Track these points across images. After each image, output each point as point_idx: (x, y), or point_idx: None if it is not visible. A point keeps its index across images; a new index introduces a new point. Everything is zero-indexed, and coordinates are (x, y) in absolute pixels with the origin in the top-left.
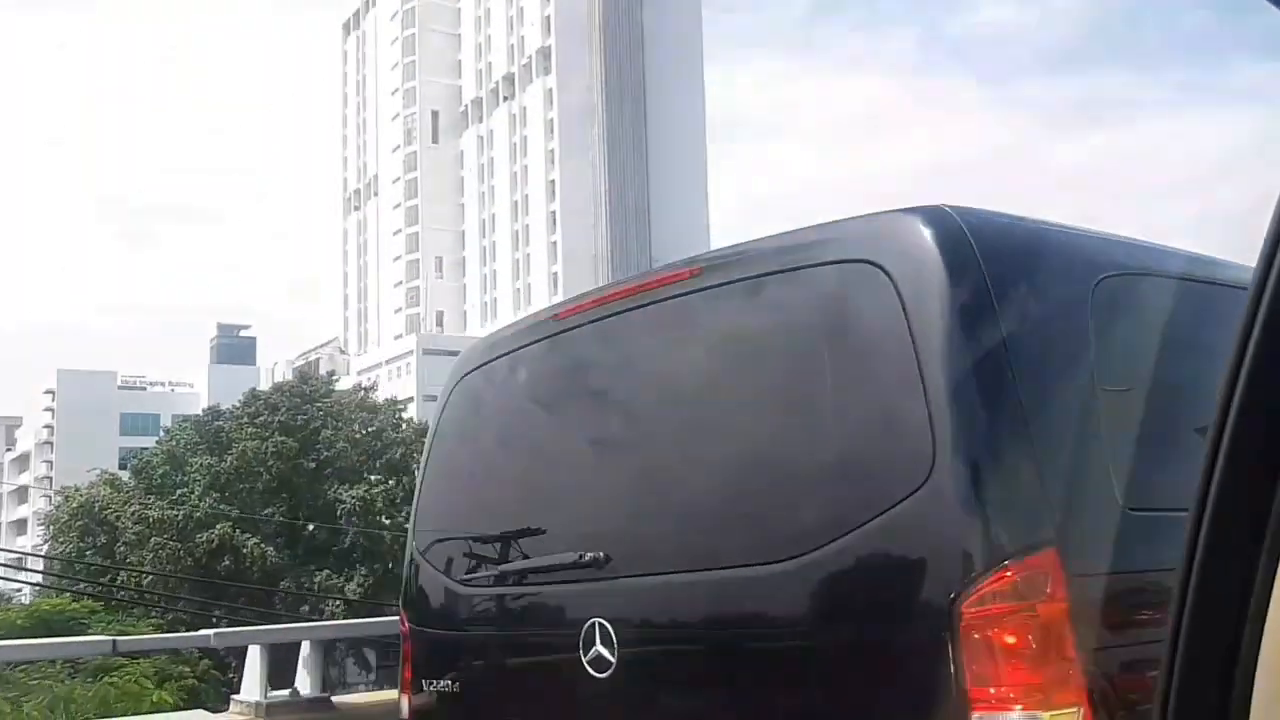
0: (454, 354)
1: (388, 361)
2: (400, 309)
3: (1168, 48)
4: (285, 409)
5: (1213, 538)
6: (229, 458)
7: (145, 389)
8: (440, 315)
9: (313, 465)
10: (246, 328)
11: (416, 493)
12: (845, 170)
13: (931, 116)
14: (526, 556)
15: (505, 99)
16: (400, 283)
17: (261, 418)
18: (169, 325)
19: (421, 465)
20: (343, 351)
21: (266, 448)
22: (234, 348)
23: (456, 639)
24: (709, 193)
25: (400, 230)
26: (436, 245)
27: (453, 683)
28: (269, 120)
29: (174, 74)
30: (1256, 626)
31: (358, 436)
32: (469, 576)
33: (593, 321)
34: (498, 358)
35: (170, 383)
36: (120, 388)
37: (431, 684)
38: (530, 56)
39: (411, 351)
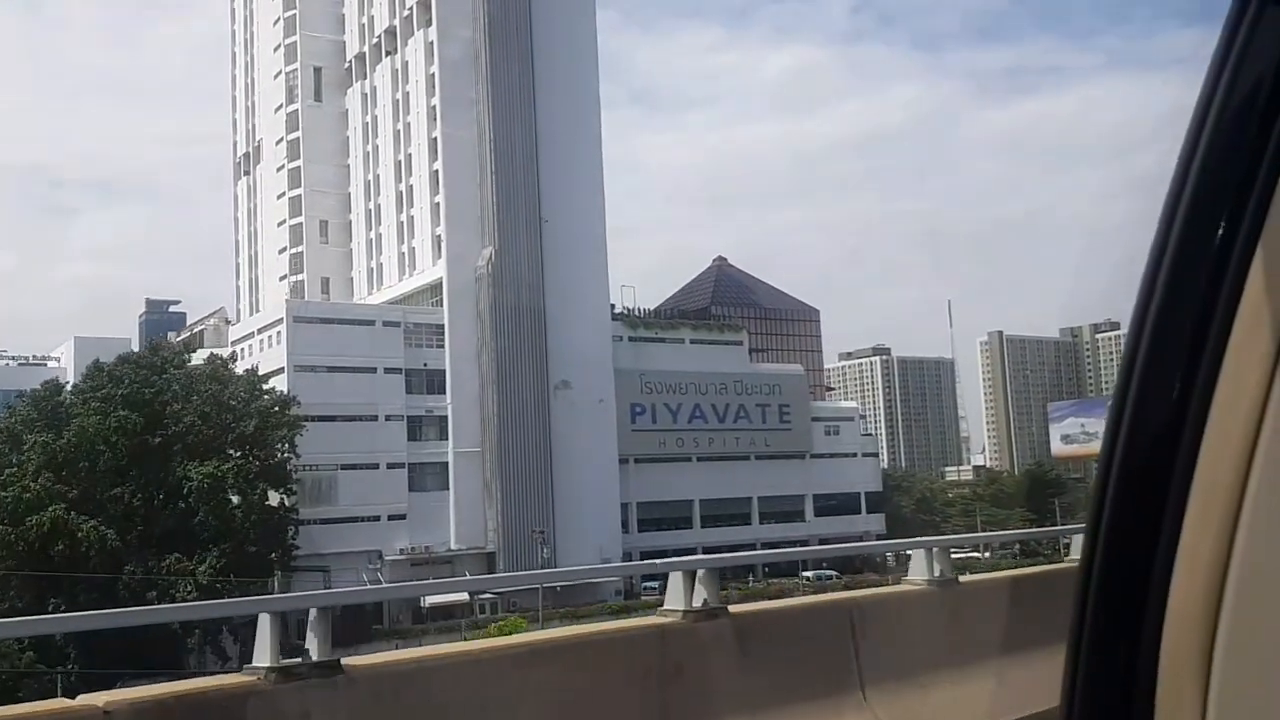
0: (328, 322)
1: (259, 331)
2: (285, 276)
3: (1094, 14)
4: (130, 382)
5: (1109, 543)
6: (67, 434)
7: (5, 363)
8: (326, 282)
9: (158, 441)
10: (176, 303)
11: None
12: (772, 138)
13: (862, 84)
14: None
15: (388, 54)
16: (284, 249)
17: (104, 391)
18: (98, 301)
19: None
20: (228, 321)
21: (109, 423)
22: (163, 323)
23: None
24: (604, 151)
25: (284, 194)
26: (321, 209)
27: None
28: (182, 89)
29: (85, 46)
30: (1155, 623)
31: (208, 410)
32: None
33: None
34: None
35: (34, 357)
36: None
37: None
38: (411, 8)
39: (283, 319)
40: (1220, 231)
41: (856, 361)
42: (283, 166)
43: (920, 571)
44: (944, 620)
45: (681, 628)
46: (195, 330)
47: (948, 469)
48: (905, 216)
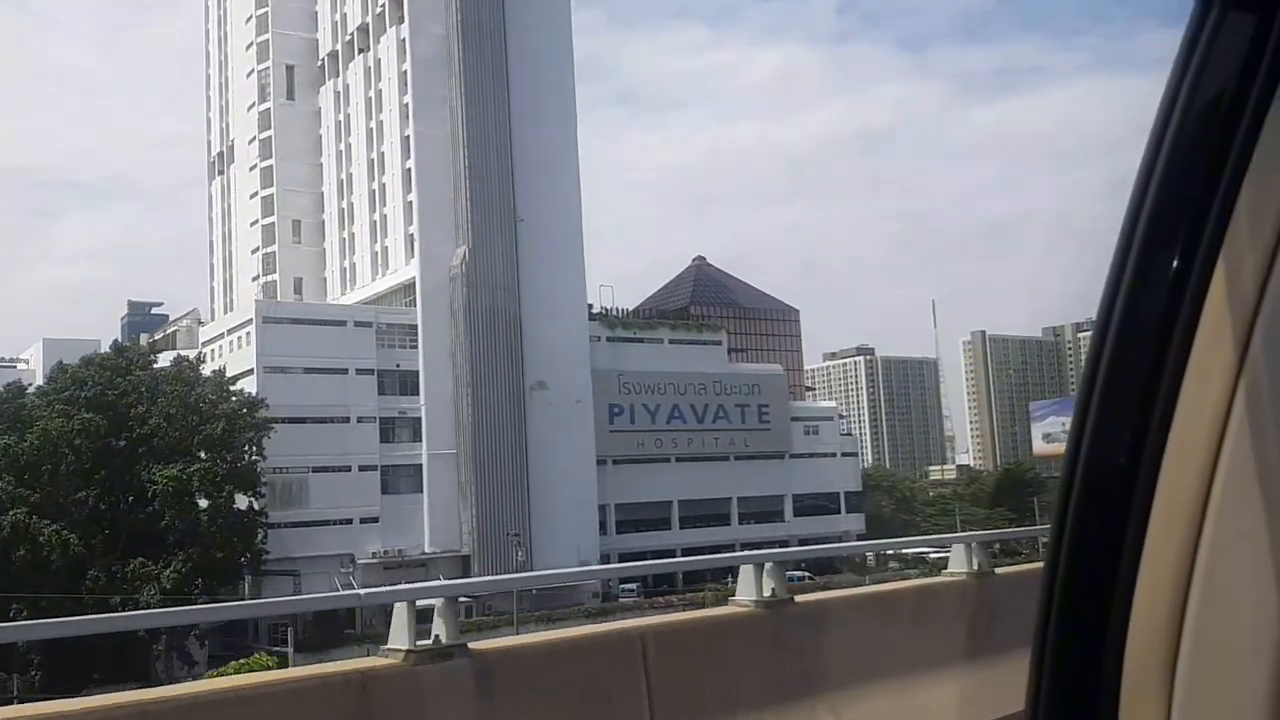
0: (298, 322)
1: (229, 331)
2: (258, 276)
3: (1078, 15)
4: (94, 384)
5: (1074, 550)
6: (30, 437)
7: None
8: (299, 282)
9: (123, 444)
10: (159, 304)
11: None
12: (759, 138)
13: (848, 84)
14: None
15: (361, 51)
16: (257, 249)
17: (67, 393)
18: (85, 303)
19: None
20: (200, 322)
21: (72, 426)
22: (144, 324)
23: None
24: (591, 153)
25: (257, 193)
26: (294, 208)
27: None
28: (174, 89)
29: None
30: (1119, 628)
31: (173, 411)
32: None
33: None
34: None
35: (2, 359)
36: None
37: None
38: (383, 5)
39: (252, 320)
40: (1183, 237)
41: (841, 361)
42: (255, 165)
43: (748, 591)
44: (770, 649)
45: (396, 673)
46: (169, 332)
47: (931, 468)
48: (891, 217)
